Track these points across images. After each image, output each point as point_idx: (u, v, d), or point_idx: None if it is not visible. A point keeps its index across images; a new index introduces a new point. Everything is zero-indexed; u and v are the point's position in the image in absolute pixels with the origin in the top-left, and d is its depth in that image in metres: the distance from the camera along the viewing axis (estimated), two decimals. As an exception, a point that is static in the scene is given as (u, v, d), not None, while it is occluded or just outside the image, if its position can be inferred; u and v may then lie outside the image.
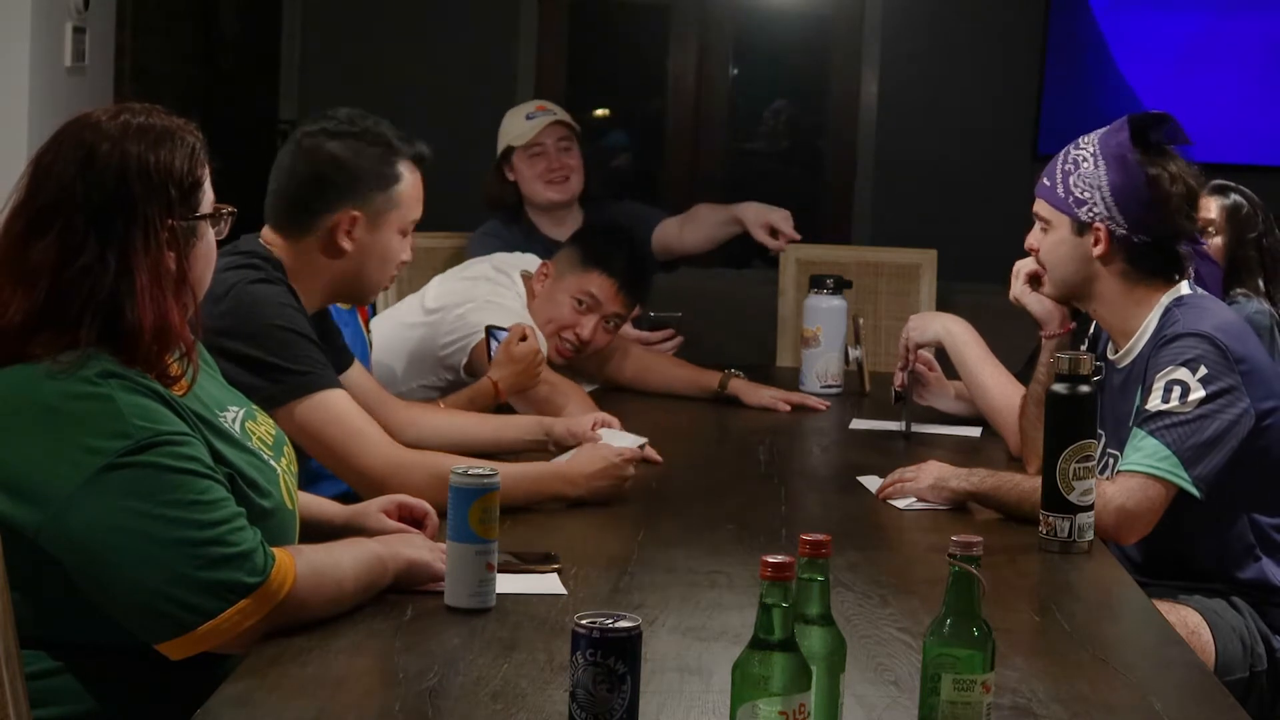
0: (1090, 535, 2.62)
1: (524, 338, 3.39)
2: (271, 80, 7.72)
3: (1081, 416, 2.62)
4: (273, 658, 1.94)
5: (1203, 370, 2.71)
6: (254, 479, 2.10)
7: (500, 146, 4.60)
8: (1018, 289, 3.05)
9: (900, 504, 2.89)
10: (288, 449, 2.31)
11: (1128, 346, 2.90)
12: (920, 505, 2.88)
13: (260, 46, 7.72)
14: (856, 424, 3.73)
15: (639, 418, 3.50)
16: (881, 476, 3.00)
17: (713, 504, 2.94)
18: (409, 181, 2.83)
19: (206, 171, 2.12)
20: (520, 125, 4.59)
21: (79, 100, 4.61)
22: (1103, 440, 2.86)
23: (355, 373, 3.06)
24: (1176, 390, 2.71)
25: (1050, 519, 2.62)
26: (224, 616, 1.94)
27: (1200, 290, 2.92)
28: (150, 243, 2.02)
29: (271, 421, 2.33)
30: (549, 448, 3.11)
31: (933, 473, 2.89)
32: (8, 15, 4.53)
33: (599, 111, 8.16)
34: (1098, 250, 2.86)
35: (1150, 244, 2.85)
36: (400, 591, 2.19)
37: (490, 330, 3.51)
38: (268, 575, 1.97)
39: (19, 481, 1.93)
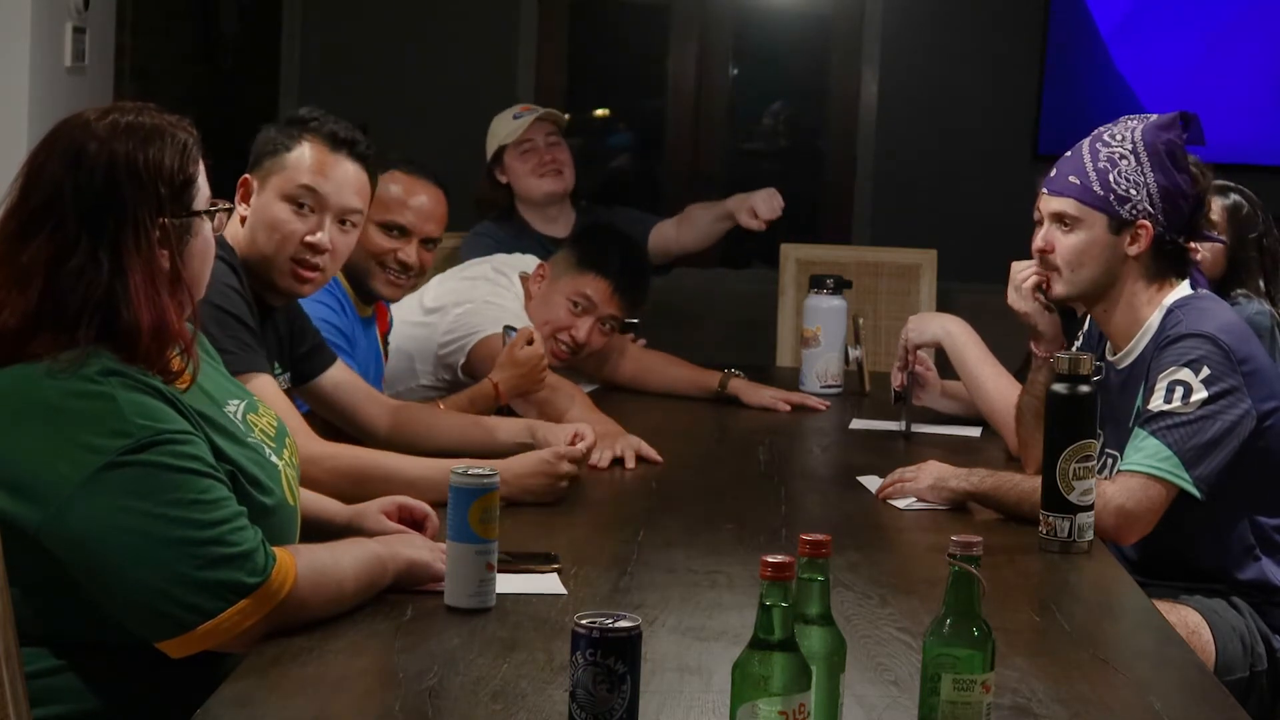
0: (1090, 535, 2.62)
1: (530, 341, 3.39)
2: (271, 80, 7.72)
3: (1081, 416, 2.62)
4: (273, 658, 1.94)
5: (1205, 371, 2.71)
6: (256, 476, 2.10)
7: (490, 150, 4.64)
8: (1026, 303, 3.01)
9: (900, 504, 2.89)
10: (290, 442, 2.31)
11: (1128, 348, 2.90)
12: (920, 505, 2.88)
13: (260, 46, 7.72)
14: (856, 424, 3.73)
15: (639, 418, 3.50)
16: (881, 476, 3.00)
17: (713, 504, 2.94)
18: (306, 153, 2.85)
19: (200, 168, 2.11)
20: (508, 125, 4.65)
21: (79, 100, 4.60)
22: (1101, 441, 2.86)
23: (337, 372, 3.08)
24: (1179, 391, 2.71)
25: (1050, 519, 2.62)
26: (224, 616, 1.94)
27: (1202, 290, 2.92)
28: (142, 242, 2.02)
29: (273, 413, 2.33)
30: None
31: (932, 473, 2.89)
32: (8, 15, 4.53)
33: (599, 111, 8.16)
34: (1134, 249, 2.84)
35: (1175, 244, 2.85)
36: (400, 591, 2.19)
37: (507, 330, 3.51)
38: (268, 575, 1.97)
39: (20, 479, 1.93)
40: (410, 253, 3.45)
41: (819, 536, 1.70)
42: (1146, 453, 2.70)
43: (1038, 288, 2.98)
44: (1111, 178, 2.83)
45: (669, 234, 4.73)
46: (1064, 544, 2.61)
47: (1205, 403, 2.70)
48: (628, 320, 4.11)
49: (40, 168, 2.04)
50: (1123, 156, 2.83)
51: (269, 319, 2.92)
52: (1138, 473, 2.69)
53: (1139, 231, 2.84)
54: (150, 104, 2.13)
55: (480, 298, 3.73)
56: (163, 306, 2.03)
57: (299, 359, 3.05)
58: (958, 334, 3.49)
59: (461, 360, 3.69)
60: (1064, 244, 2.89)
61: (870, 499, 2.96)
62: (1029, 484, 2.74)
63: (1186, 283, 2.89)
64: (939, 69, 7.58)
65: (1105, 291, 2.89)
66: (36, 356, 1.98)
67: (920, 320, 3.63)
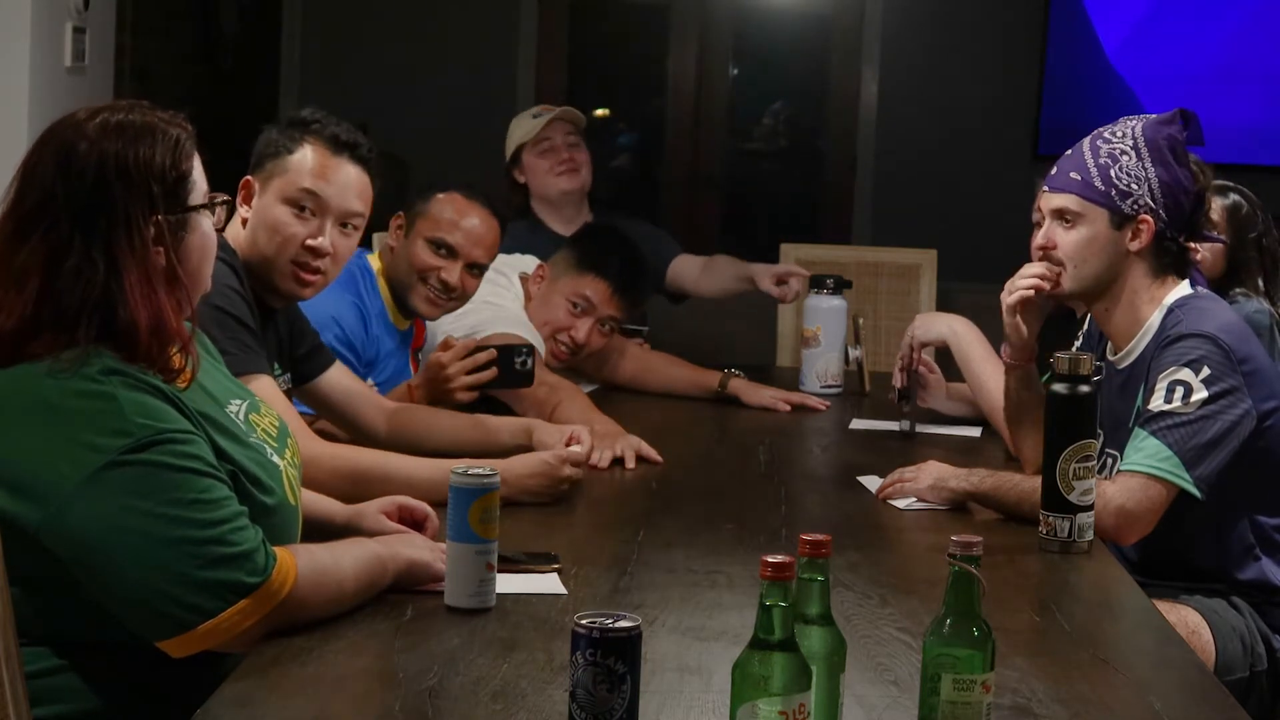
0: (1090, 535, 2.62)
1: (448, 346, 3.34)
2: (271, 80, 7.73)
3: (1081, 416, 2.62)
4: (273, 658, 1.94)
5: (1206, 371, 2.71)
6: (257, 475, 2.10)
7: (509, 150, 4.64)
8: (1005, 310, 2.99)
9: (900, 504, 2.89)
10: (291, 442, 2.31)
11: (1128, 347, 2.90)
12: (920, 505, 2.88)
13: (260, 46, 7.72)
14: (856, 424, 3.73)
15: (639, 418, 3.50)
16: (881, 476, 3.00)
17: (713, 504, 2.94)
18: (308, 155, 2.84)
19: (195, 163, 2.10)
20: (526, 124, 4.66)
21: (79, 100, 4.60)
22: (1101, 440, 2.85)
23: (336, 374, 3.09)
24: (1179, 391, 2.71)
25: (1050, 519, 2.62)
26: (224, 616, 1.93)
27: (1202, 290, 2.92)
28: (136, 240, 2.01)
29: (275, 413, 2.33)
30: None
31: (932, 473, 2.89)
32: (8, 15, 4.54)
33: (599, 111, 8.16)
34: (1136, 244, 2.84)
35: (1176, 241, 2.85)
36: (400, 591, 2.19)
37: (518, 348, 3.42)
38: (268, 575, 1.97)
39: (20, 478, 1.93)
40: (454, 274, 3.46)
41: (819, 536, 1.70)
42: (1147, 453, 2.70)
43: (1025, 303, 2.96)
44: (1113, 173, 2.83)
45: (690, 274, 4.70)
46: (1064, 544, 2.61)
47: (1205, 403, 2.70)
48: (636, 327, 4.11)
49: (33, 169, 2.04)
50: (1123, 152, 2.83)
51: (270, 321, 2.92)
52: (1138, 473, 2.69)
53: (1140, 227, 2.84)
54: (143, 101, 2.12)
55: (480, 297, 3.73)
56: (160, 304, 2.02)
57: (299, 360, 3.05)
58: (963, 333, 3.49)
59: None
60: (1066, 240, 2.88)
61: (870, 499, 2.96)
62: (1029, 484, 2.74)
63: (1186, 282, 2.89)
64: (939, 69, 7.59)
65: (1107, 288, 2.89)
66: (38, 357, 1.97)
67: (927, 319, 3.63)
